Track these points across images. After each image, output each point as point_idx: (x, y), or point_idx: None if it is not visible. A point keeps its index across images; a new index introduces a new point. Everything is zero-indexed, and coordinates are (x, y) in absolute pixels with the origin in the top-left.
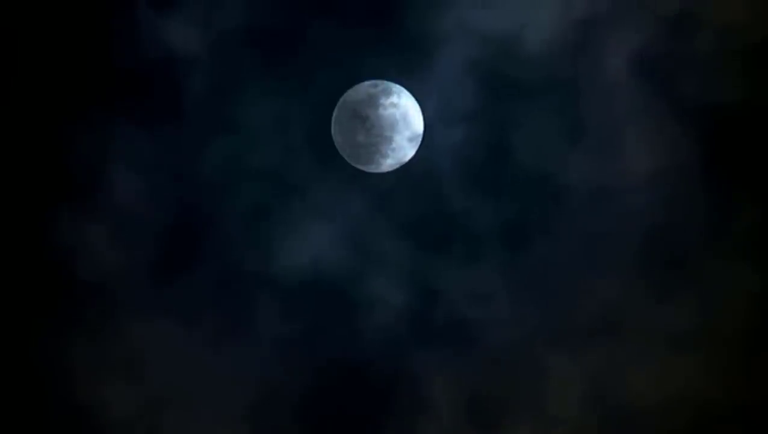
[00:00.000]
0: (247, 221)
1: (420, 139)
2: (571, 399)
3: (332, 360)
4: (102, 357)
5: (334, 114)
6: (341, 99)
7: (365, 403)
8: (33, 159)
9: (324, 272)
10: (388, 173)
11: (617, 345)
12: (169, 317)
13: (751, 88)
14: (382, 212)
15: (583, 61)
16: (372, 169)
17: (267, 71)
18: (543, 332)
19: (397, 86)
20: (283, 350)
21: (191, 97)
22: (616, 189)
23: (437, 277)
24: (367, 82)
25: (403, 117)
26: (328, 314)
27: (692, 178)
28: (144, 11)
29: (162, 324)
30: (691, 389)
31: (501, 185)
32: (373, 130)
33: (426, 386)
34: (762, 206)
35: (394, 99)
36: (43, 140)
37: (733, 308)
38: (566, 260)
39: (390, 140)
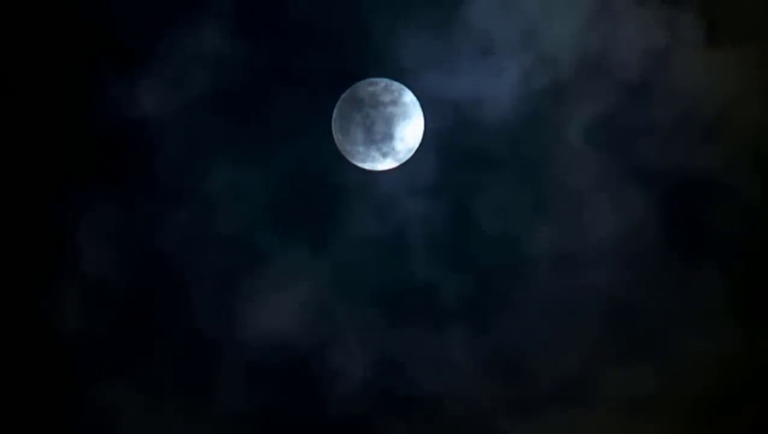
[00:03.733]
0: (210, 289)
1: (420, 138)
2: None
3: (294, 432)
4: (64, 423)
5: (335, 112)
6: (341, 97)
7: None
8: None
9: (287, 342)
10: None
11: (579, 414)
12: (132, 385)
13: (711, 155)
14: (345, 283)
15: (543, 131)
16: (372, 167)
17: (233, 137)
18: (505, 403)
19: (397, 84)
20: (245, 422)
21: (156, 163)
22: (578, 258)
23: (400, 349)
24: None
25: (403, 115)
26: (290, 385)
27: (652, 245)
28: (108, 77)
29: (125, 392)
30: None
31: (464, 256)
32: (373, 127)
33: None
34: (721, 272)
35: (394, 97)
36: (12, 205)
37: (692, 374)
38: (529, 330)
39: (390, 137)
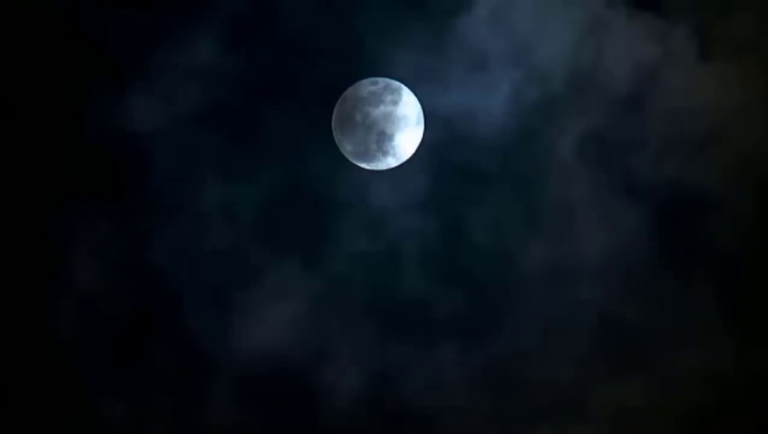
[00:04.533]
0: (204, 303)
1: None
2: None
3: None
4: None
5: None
6: (342, 96)
7: None
8: None
9: (279, 356)
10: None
11: (571, 428)
12: (125, 397)
13: (703, 170)
14: (338, 297)
15: (535, 145)
16: (373, 166)
17: (225, 152)
18: (497, 417)
19: (397, 83)
20: None
21: (149, 178)
22: (570, 273)
23: (393, 363)
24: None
25: (403, 114)
26: (282, 399)
27: (644, 260)
28: (101, 92)
29: (118, 405)
30: None
31: (456, 271)
32: (373, 127)
33: None
34: (712, 287)
35: (395, 96)
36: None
37: (683, 388)
38: (520, 345)
39: (391, 137)
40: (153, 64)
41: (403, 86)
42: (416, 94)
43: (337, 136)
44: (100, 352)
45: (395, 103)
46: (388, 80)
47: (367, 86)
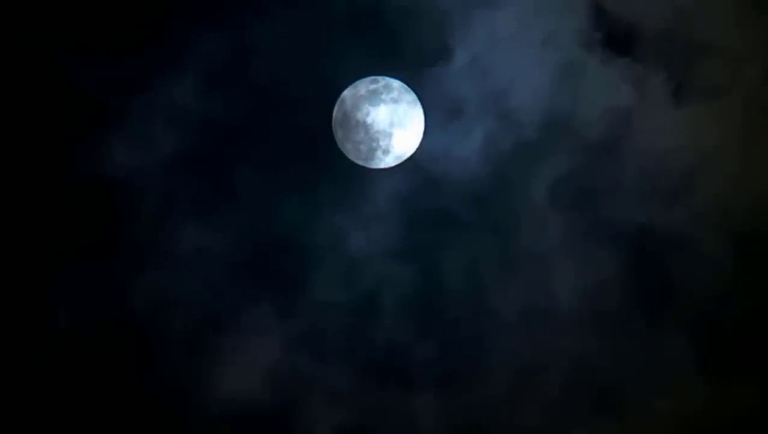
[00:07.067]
0: (178, 349)
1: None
2: None
3: None
4: None
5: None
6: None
7: None
8: None
9: (255, 403)
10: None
11: None
12: None
13: (676, 214)
14: (312, 345)
15: (510, 191)
16: (373, 165)
17: (201, 198)
18: None
19: (397, 82)
20: None
21: (125, 223)
22: (544, 318)
23: (370, 410)
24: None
25: (404, 113)
26: None
27: (618, 304)
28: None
29: None
30: None
31: (430, 318)
32: (373, 126)
33: None
34: (686, 331)
35: (394, 95)
36: None
37: (655, 433)
38: (495, 391)
39: (390, 136)
40: (132, 110)
41: (403, 84)
42: (392, 141)
43: (337, 135)
44: (73, 395)
45: (396, 102)
46: (388, 79)
47: (367, 85)
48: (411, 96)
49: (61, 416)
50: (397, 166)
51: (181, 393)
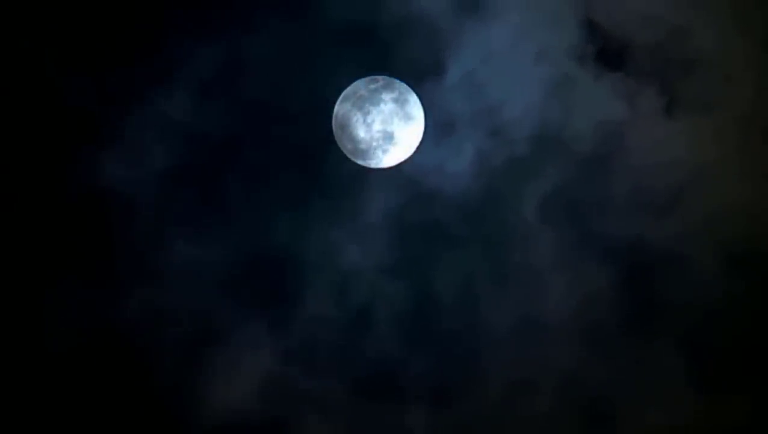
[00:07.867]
0: (170, 364)
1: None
2: None
3: None
4: None
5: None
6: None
7: None
8: None
9: (247, 416)
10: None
11: None
12: None
13: (667, 228)
14: (306, 356)
15: (502, 206)
16: (373, 164)
17: (194, 212)
18: None
19: (397, 81)
20: None
21: (118, 238)
22: (536, 332)
23: (362, 424)
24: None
25: (403, 112)
26: None
27: (609, 318)
28: (74, 152)
29: None
30: None
31: (423, 332)
32: (373, 125)
33: None
34: (677, 344)
35: (394, 94)
36: None
37: None
38: (489, 405)
39: (390, 135)
40: (125, 124)
41: (403, 84)
42: (383, 157)
43: (337, 134)
44: (66, 411)
45: (396, 101)
46: (388, 78)
47: (367, 84)
48: (413, 97)
49: (56, 428)
50: (385, 179)
51: (175, 406)
